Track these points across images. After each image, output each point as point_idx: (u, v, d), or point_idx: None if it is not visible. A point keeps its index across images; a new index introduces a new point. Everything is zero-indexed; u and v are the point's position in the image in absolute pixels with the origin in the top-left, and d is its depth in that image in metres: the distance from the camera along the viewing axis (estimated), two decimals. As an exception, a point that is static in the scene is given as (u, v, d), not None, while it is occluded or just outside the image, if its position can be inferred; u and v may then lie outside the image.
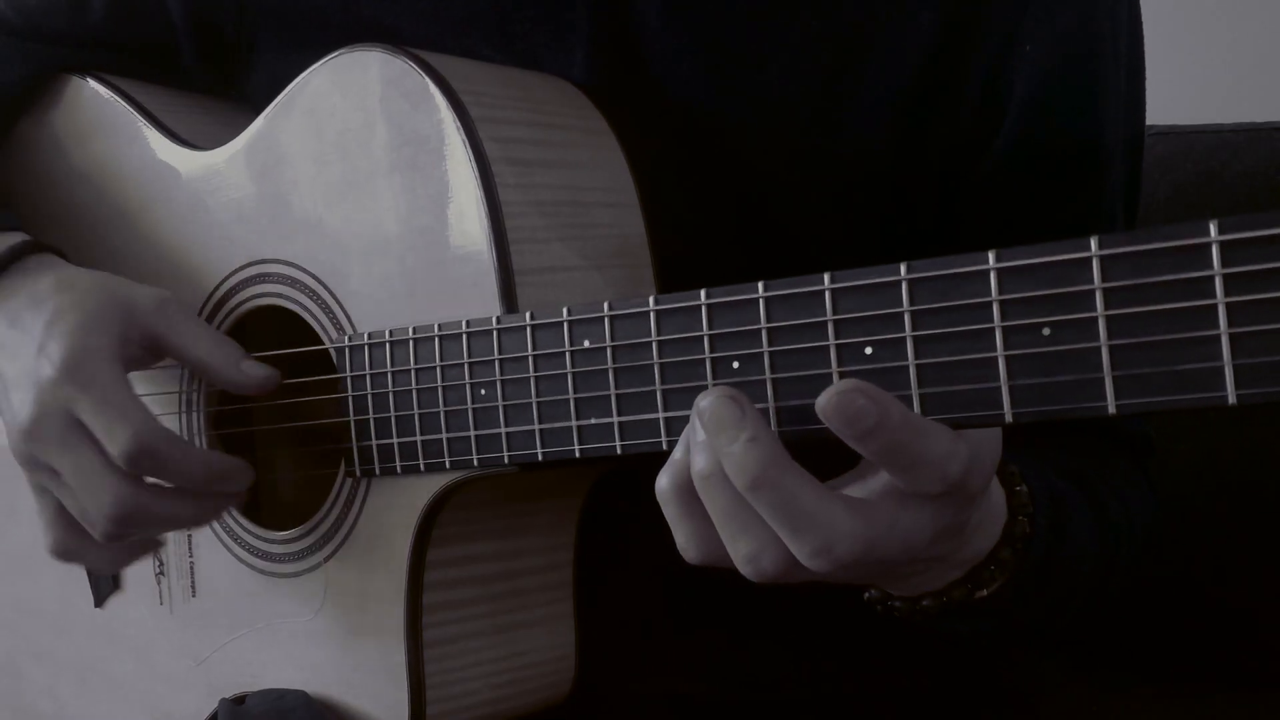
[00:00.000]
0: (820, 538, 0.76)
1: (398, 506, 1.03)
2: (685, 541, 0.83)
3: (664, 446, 0.85)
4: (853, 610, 0.95)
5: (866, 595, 0.93)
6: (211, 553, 1.16)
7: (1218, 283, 0.65)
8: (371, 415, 1.02)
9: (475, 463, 0.96)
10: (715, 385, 0.81)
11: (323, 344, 1.06)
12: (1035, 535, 0.91)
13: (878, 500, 0.78)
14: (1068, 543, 0.96)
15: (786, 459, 0.77)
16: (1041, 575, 0.94)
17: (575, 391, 0.89)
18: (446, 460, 0.98)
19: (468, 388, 0.96)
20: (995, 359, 0.72)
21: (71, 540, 1.09)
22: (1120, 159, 1.10)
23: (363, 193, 1.03)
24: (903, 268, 0.75)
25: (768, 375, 0.81)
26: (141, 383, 1.15)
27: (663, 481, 0.82)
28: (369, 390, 1.02)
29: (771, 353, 0.80)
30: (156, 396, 1.16)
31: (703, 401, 0.78)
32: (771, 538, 0.78)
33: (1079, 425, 1.07)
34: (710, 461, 0.78)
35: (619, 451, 0.88)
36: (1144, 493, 1.13)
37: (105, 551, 1.11)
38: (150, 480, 1.04)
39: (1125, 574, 1.10)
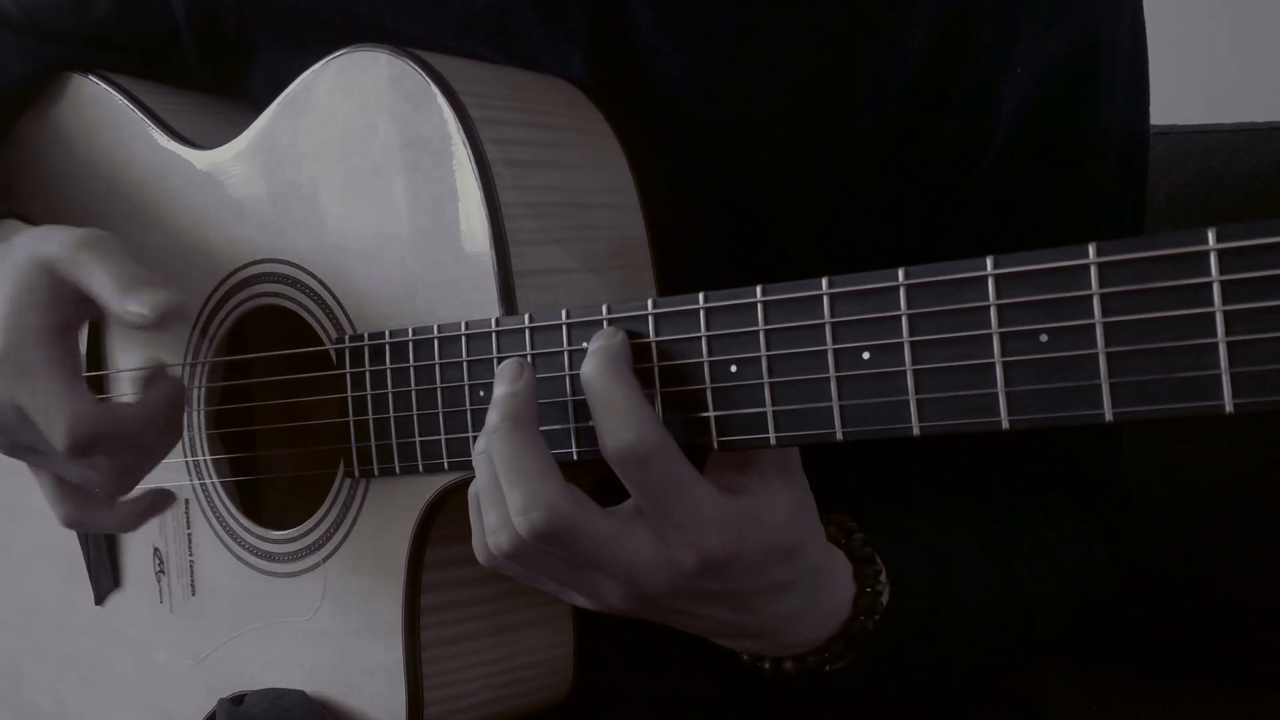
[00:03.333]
0: (524, 496, 0.82)
1: (396, 507, 1.03)
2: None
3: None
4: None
5: (744, 658, 0.97)
6: (211, 551, 1.16)
7: (1216, 290, 0.65)
8: (371, 416, 1.02)
9: None
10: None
11: (323, 344, 1.06)
12: (880, 633, 0.94)
13: (616, 509, 0.85)
14: (942, 628, 0.99)
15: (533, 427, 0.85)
16: (902, 659, 0.97)
17: (573, 394, 0.89)
18: (445, 461, 0.98)
19: (466, 389, 0.96)
20: (993, 365, 0.72)
21: (80, 510, 1.09)
22: (1111, 177, 1.10)
23: (364, 193, 1.03)
24: (901, 273, 0.75)
25: (765, 379, 0.81)
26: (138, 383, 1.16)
27: (472, 489, 0.89)
28: (368, 391, 1.02)
29: (769, 357, 0.80)
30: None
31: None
32: (505, 517, 0.84)
33: (1034, 464, 1.12)
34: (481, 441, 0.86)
35: (616, 453, 0.88)
36: (1086, 541, 1.14)
37: (118, 514, 1.11)
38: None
39: (1044, 625, 1.11)
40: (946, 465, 1.12)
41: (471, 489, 0.89)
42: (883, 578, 0.94)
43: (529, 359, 0.91)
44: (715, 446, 0.84)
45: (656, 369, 0.85)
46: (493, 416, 0.86)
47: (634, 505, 0.84)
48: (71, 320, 1.05)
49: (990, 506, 1.09)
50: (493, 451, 0.84)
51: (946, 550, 1.01)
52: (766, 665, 0.96)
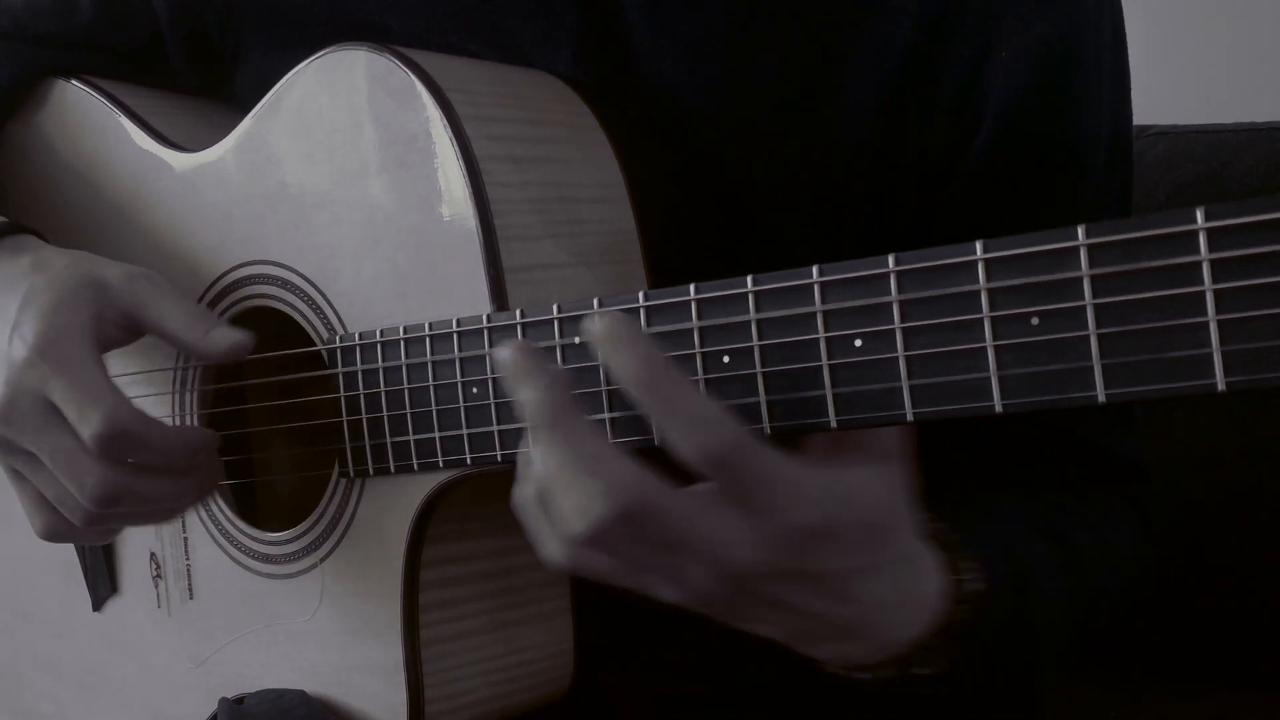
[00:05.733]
0: (603, 480, 0.77)
1: (392, 506, 1.02)
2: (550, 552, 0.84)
3: (655, 441, 0.85)
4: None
5: (829, 670, 0.93)
6: (208, 555, 1.16)
7: (1205, 269, 0.65)
8: (364, 415, 1.02)
9: (469, 461, 0.96)
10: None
11: (314, 345, 1.06)
12: (974, 624, 0.91)
13: (697, 488, 0.79)
14: (1028, 620, 0.98)
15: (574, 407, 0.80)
16: (992, 654, 0.96)
17: (568, 388, 0.89)
18: (440, 459, 0.98)
19: (459, 386, 0.95)
20: (984, 349, 0.72)
21: (60, 522, 1.08)
22: (1100, 167, 1.10)
23: (351, 192, 1.03)
24: (891, 259, 0.75)
25: (758, 369, 0.80)
26: (133, 386, 1.16)
27: (527, 491, 0.82)
28: (361, 390, 1.02)
29: (761, 346, 0.80)
30: (149, 398, 1.16)
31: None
32: (582, 503, 0.79)
33: (1061, 455, 1.10)
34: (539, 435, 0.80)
35: (611, 447, 0.88)
36: (1130, 524, 1.13)
37: (100, 526, 1.09)
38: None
39: (1108, 614, 1.11)
40: (981, 462, 1.10)
41: (519, 495, 0.84)
42: (971, 567, 0.92)
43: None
44: (708, 438, 0.83)
45: (649, 361, 0.85)
46: (538, 412, 0.80)
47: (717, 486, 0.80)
48: (109, 339, 1.06)
49: (1045, 503, 1.08)
50: (555, 444, 0.79)
51: (1019, 546, 1.00)
52: (867, 676, 0.92)
